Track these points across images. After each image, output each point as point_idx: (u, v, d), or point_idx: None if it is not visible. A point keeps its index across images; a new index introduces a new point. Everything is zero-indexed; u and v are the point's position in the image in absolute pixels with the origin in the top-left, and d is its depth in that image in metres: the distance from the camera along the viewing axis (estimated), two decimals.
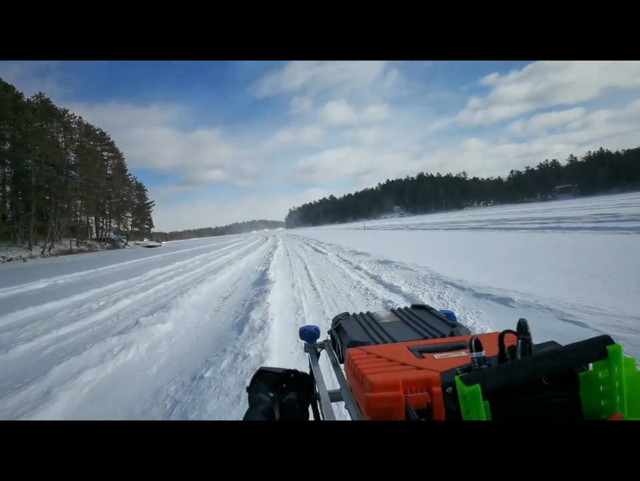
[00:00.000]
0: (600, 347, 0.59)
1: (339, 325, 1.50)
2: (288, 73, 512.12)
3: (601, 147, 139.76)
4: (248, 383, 1.24)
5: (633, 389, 0.59)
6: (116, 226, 63.05)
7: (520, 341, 0.70)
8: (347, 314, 1.64)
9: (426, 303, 1.75)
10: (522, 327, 0.71)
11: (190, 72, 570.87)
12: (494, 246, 11.66)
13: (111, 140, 57.70)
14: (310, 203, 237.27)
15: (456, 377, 0.60)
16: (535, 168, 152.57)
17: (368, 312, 1.62)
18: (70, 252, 45.29)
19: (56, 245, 44.74)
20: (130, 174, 64.34)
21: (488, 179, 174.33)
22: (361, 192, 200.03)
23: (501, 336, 0.73)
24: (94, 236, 56.74)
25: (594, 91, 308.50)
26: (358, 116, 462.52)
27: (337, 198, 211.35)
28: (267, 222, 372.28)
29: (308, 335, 1.58)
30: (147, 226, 72.02)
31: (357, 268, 9.94)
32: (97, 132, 54.89)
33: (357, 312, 1.64)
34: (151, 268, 15.49)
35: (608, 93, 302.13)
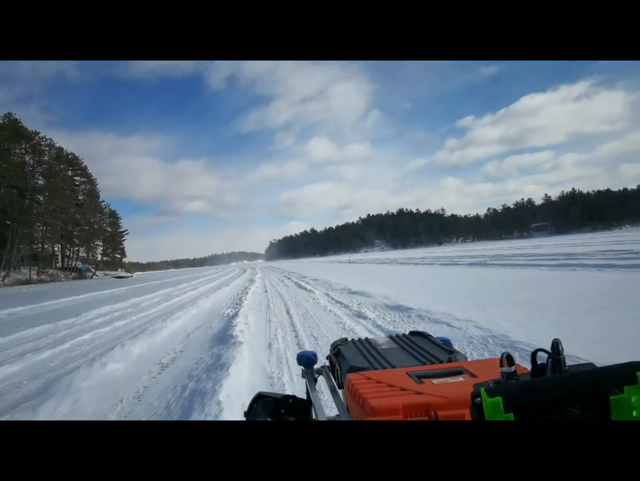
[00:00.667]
0: (629, 372, 0.59)
1: (338, 350, 1.49)
2: (273, 110, 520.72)
3: (573, 188, 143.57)
4: (246, 408, 1.21)
5: None
6: (85, 255, 58.89)
7: (550, 359, 0.71)
8: (346, 340, 1.63)
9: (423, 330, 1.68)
10: (554, 346, 0.72)
11: (175, 103, 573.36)
12: (512, 286, 9.20)
13: (83, 165, 54.47)
14: (291, 235, 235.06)
15: (481, 389, 0.61)
16: (511, 207, 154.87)
17: (367, 338, 1.63)
18: (28, 282, 41.03)
19: (13, 274, 40.59)
20: (103, 201, 60.76)
21: (465, 216, 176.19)
22: (342, 225, 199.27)
23: (533, 354, 0.76)
24: (60, 265, 52.42)
25: (562, 136, 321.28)
26: (340, 153, 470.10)
27: (318, 231, 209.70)
28: (247, 253, 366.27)
29: (306, 360, 1.57)
30: (119, 256, 67.83)
31: (360, 315, 7.29)
32: (70, 156, 51.70)
33: (356, 338, 1.64)
34: (100, 305, 12.81)
35: (575, 138, 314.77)
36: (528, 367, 0.75)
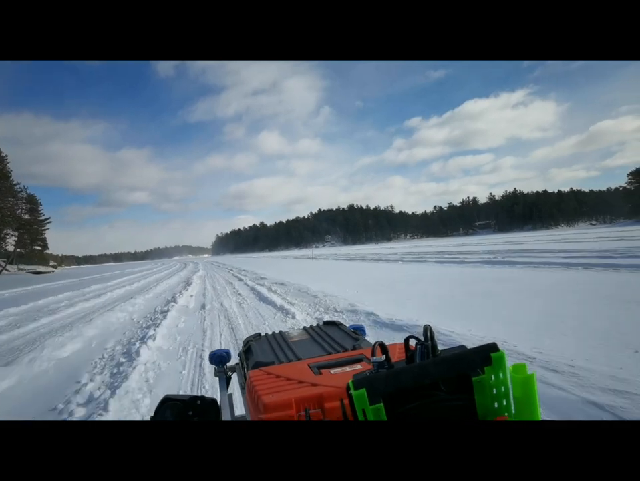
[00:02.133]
0: (484, 354, 0.63)
1: (248, 346, 1.47)
2: (224, 100, 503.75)
3: (515, 188, 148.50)
4: (152, 412, 1.14)
5: (522, 392, 0.62)
6: None
7: (418, 346, 0.73)
8: (259, 335, 1.61)
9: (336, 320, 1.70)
10: (424, 332, 0.74)
11: (120, 88, 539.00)
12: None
13: None
14: (239, 229, 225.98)
15: (349, 382, 0.63)
16: (457, 205, 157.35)
17: (280, 332, 1.62)
18: None
19: None
20: (17, 183, 51.24)
21: (413, 213, 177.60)
22: (293, 220, 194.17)
23: (406, 340, 0.78)
24: None
25: (501, 140, 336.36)
26: (291, 147, 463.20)
27: (268, 225, 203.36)
28: (192, 247, 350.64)
29: (218, 359, 1.53)
30: (39, 248, 58.28)
31: None
32: None
33: (270, 333, 1.64)
34: None
35: (512, 143, 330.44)
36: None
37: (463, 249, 26.54)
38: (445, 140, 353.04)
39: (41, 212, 58.14)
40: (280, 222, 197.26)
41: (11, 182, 49.81)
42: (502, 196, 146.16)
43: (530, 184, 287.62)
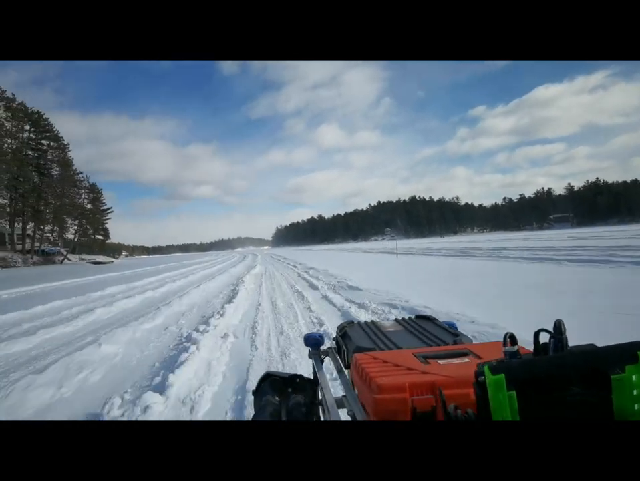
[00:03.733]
0: (630, 352, 0.59)
1: (345, 331, 1.49)
2: (284, 95, 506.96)
3: (597, 178, 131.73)
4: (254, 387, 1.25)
5: None
6: (53, 235, 48.59)
7: (552, 339, 0.72)
8: (352, 322, 1.62)
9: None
10: (557, 326, 0.73)
11: (188, 87, 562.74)
12: None
13: (51, 126, 43.73)
14: (297, 222, 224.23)
15: (485, 366, 0.62)
16: (530, 196, 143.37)
17: (372, 321, 1.61)
18: None
19: None
20: (80, 173, 49.91)
21: (480, 205, 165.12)
22: (351, 212, 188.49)
23: (536, 333, 0.78)
24: (25, 246, 42.06)
25: (575, 127, 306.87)
26: (349, 140, 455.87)
27: (326, 218, 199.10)
28: (253, 239, 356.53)
29: (313, 341, 1.57)
30: (101, 237, 57.26)
31: None
32: (29, 110, 40.93)
33: (362, 321, 1.62)
34: None
35: (588, 130, 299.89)
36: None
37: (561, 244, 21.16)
38: (512, 129, 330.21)
39: (103, 201, 57.22)
40: (338, 215, 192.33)
41: (74, 170, 48.69)
42: (583, 187, 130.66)
43: (607, 175, 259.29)
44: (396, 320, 1.60)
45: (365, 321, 1.61)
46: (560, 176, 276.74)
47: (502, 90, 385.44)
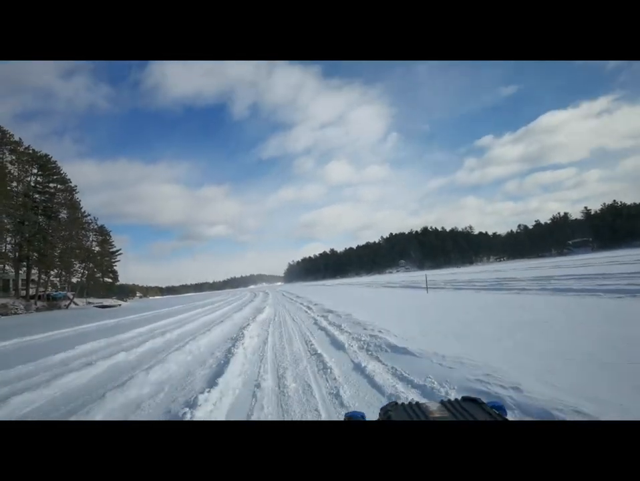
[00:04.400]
0: None
1: (389, 416, 1.39)
2: (293, 136, 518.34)
3: (614, 200, 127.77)
4: None
5: None
6: (58, 279, 46.91)
7: None
8: (396, 403, 1.53)
9: (477, 396, 1.50)
10: None
11: (200, 131, 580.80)
12: None
13: (58, 169, 42.89)
14: (309, 257, 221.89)
15: None
16: (545, 222, 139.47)
17: (417, 403, 1.51)
18: None
19: None
20: (88, 215, 48.78)
21: (494, 234, 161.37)
22: (363, 245, 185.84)
23: None
24: (29, 292, 40.25)
25: (585, 152, 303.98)
26: (358, 175, 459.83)
27: (338, 251, 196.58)
28: (266, 276, 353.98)
29: None
30: (110, 280, 55.54)
31: None
32: (37, 154, 40.18)
33: (406, 402, 1.54)
34: None
35: (598, 154, 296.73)
36: None
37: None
38: (521, 157, 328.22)
39: (112, 243, 55.89)
40: (350, 248, 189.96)
41: (81, 212, 47.63)
42: (600, 210, 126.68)
43: (621, 197, 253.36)
44: (442, 402, 1.48)
45: (410, 403, 1.48)
46: (573, 200, 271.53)
47: (507, 119, 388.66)
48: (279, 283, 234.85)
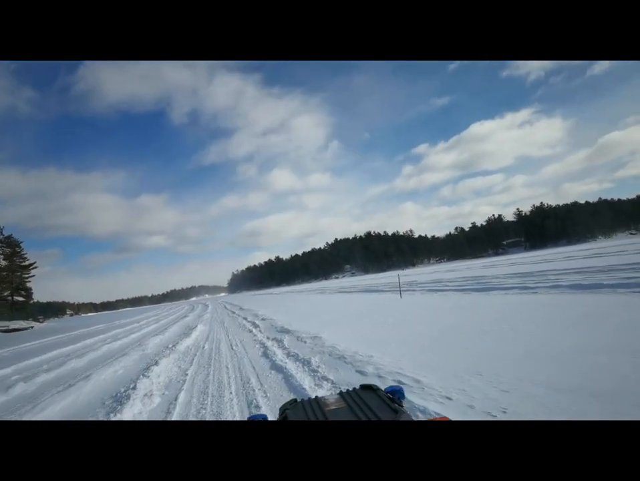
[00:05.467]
0: None
1: (285, 415, 1.45)
2: (235, 142, 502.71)
3: (542, 202, 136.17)
4: None
5: None
6: None
7: None
8: (295, 400, 1.60)
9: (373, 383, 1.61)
10: None
11: (137, 138, 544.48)
12: None
13: None
14: (255, 265, 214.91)
15: None
16: (482, 224, 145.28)
17: (316, 398, 1.58)
18: None
19: None
20: None
21: (433, 236, 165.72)
22: (309, 252, 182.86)
23: None
24: None
25: (510, 160, 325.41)
26: (302, 183, 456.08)
27: (284, 259, 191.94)
28: (209, 287, 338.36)
29: None
30: (22, 298, 47.22)
31: None
32: None
33: (306, 399, 1.61)
34: None
35: (522, 161, 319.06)
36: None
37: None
38: (454, 164, 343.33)
39: (24, 256, 47.67)
40: (296, 255, 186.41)
41: None
42: (530, 211, 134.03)
43: (543, 200, 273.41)
44: (340, 393, 1.57)
45: (309, 399, 1.56)
46: (502, 204, 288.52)
47: (441, 128, 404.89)
48: (223, 294, 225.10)
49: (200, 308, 35.36)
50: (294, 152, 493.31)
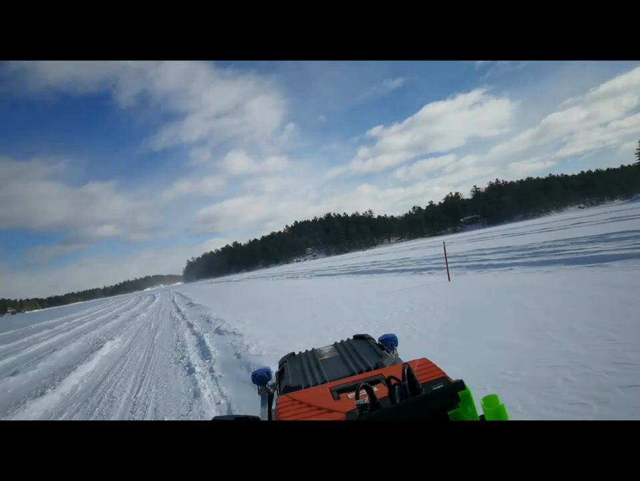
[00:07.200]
0: (453, 395, 0.71)
1: (283, 367, 1.51)
2: (187, 125, 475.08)
3: (497, 179, 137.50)
4: None
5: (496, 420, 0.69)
6: None
7: (396, 386, 0.81)
8: (293, 354, 1.63)
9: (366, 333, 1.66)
10: (402, 372, 0.81)
11: (81, 122, 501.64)
12: None
13: None
14: (211, 252, 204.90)
15: None
16: (440, 202, 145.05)
17: (313, 350, 1.62)
18: None
19: None
20: None
21: (392, 216, 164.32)
22: (268, 236, 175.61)
23: (388, 380, 0.85)
24: None
25: (462, 140, 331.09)
26: (258, 166, 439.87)
27: (242, 244, 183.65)
28: (163, 277, 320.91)
29: (259, 378, 1.58)
30: None
31: None
32: None
33: (303, 351, 1.63)
34: None
35: (472, 142, 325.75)
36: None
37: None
38: (408, 146, 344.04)
39: None
40: (255, 240, 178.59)
41: None
42: (487, 188, 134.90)
43: (493, 179, 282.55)
44: (335, 344, 1.60)
45: (306, 351, 1.60)
46: (454, 184, 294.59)
47: (395, 110, 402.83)
48: (179, 283, 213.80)
49: (146, 301, 28.94)
50: (249, 135, 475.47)
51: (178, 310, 17.10)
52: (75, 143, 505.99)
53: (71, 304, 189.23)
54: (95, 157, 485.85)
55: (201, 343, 7.79)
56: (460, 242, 30.01)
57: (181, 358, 6.85)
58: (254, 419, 1.20)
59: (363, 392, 0.90)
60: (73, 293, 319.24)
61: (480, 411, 0.73)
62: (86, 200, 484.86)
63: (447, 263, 9.20)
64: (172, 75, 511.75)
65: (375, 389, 0.91)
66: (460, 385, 0.70)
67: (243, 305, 13.04)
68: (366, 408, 0.77)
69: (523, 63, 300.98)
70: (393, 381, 0.84)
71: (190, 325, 10.96)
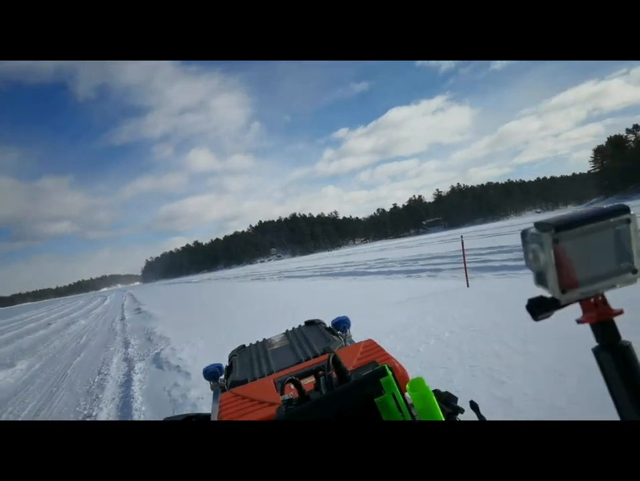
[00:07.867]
0: (375, 382, 0.68)
1: (232, 362, 1.46)
2: (150, 121, 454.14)
3: (458, 183, 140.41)
4: None
5: (423, 405, 0.67)
6: None
7: (321, 377, 0.80)
8: (243, 346, 1.59)
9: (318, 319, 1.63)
10: (328, 363, 0.79)
11: (34, 113, 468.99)
12: None
13: None
14: (171, 251, 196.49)
15: None
16: (404, 204, 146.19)
17: (264, 340, 1.58)
18: None
19: None
20: None
21: (357, 218, 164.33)
22: (232, 235, 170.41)
23: (315, 372, 0.84)
24: None
25: (424, 146, 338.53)
26: (222, 164, 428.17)
27: (203, 243, 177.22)
28: (121, 277, 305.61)
29: (211, 374, 1.52)
30: None
31: None
32: None
33: (254, 342, 1.59)
34: None
35: (434, 148, 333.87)
36: None
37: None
38: (372, 149, 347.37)
39: None
40: (217, 239, 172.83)
41: None
42: (449, 192, 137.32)
43: (453, 183, 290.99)
44: (286, 332, 1.57)
45: (257, 342, 1.56)
46: (416, 188, 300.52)
47: (360, 113, 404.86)
48: (137, 283, 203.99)
49: (89, 306, 25.42)
50: (213, 132, 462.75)
51: (122, 319, 14.31)
52: (26, 135, 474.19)
53: (21, 305, 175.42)
54: (49, 151, 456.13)
55: (128, 381, 5.21)
56: (433, 242, 28.45)
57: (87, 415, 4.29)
58: (205, 418, 1.11)
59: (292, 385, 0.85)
60: (20, 293, 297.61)
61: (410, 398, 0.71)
62: (39, 195, 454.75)
63: (465, 264, 7.09)
64: (135, 68, 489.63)
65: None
66: (382, 371, 0.68)
67: (199, 316, 10.45)
68: (292, 403, 0.74)
69: (483, 73, 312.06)
70: (319, 372, 0.82)
71: (126, 344, 8.31)
